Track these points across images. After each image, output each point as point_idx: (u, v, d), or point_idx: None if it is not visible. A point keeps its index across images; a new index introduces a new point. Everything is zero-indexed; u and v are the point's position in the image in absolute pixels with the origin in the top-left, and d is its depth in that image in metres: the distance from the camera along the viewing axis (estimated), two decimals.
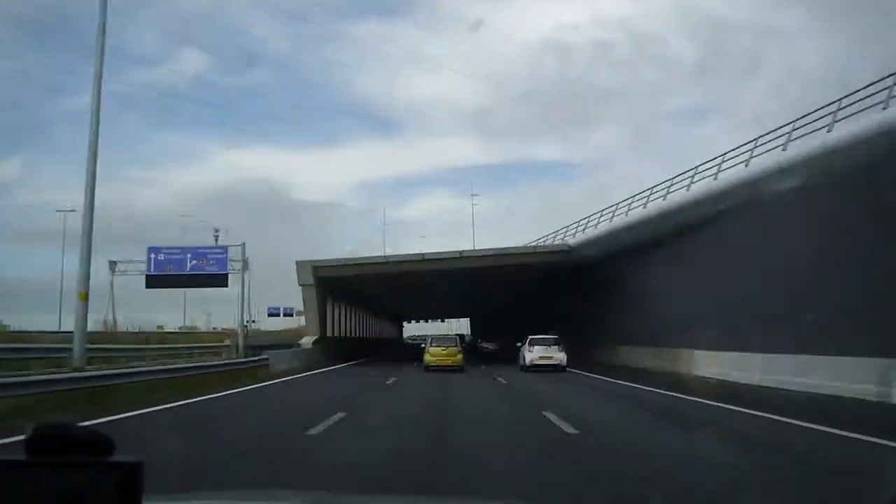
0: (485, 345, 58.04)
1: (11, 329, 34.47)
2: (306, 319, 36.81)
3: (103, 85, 18.17)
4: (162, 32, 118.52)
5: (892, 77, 14.31)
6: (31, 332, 32.42)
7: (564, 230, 35.63)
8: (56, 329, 34.84)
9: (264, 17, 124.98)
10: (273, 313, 67.26)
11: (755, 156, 19.19)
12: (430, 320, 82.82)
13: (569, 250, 33.24)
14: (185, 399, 12.94)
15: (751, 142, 19.66)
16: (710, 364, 19.52)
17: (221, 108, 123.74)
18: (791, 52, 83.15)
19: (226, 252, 35.95)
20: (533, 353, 26.51)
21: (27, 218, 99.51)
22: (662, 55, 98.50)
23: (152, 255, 35.07)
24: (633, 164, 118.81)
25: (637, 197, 27.35)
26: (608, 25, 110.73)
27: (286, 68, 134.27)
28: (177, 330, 55.01)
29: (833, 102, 16.19)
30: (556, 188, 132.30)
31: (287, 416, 11.58)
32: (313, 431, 8.78)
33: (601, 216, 30.53)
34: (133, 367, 19.07)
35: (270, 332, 55.26)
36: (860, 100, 15.26)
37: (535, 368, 25.55)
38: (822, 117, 16.43)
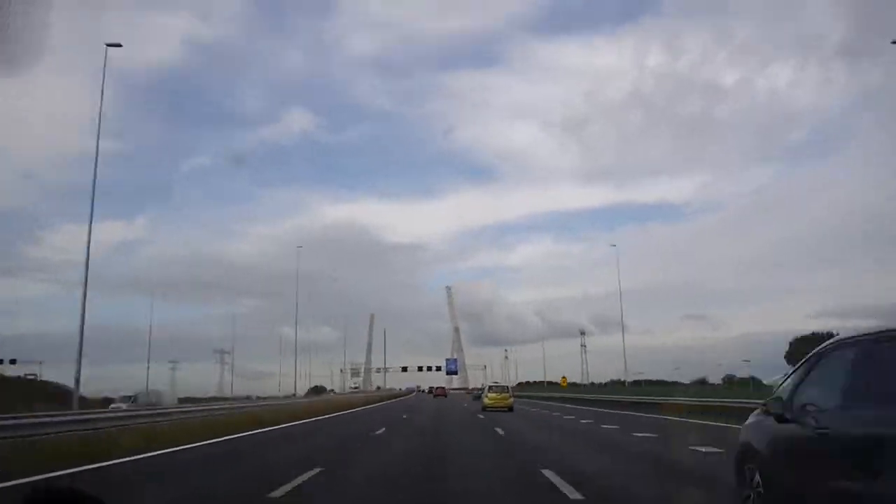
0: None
1: None
2: None
3: None
4: (267, 92, 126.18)
5: None
6: None
7: None
8: None
9: (365, 75, 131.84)
10: None
11: None
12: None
13: None
14: None
15: None
16: None
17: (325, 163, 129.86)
18: None
19: None
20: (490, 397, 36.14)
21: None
22: None
23: None
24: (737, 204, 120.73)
25: None
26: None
27: (387, 122, 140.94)
28: None
29: None
30: (663, 229, 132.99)
31: None
32: None
33: None
34: None
35: None
36: None
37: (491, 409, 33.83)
38: None
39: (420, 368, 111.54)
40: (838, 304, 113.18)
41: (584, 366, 67.37)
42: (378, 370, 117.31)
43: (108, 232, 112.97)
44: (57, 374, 46.33)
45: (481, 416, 27.78)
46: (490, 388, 39.02)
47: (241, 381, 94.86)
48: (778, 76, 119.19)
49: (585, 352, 66.85)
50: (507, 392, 37.24)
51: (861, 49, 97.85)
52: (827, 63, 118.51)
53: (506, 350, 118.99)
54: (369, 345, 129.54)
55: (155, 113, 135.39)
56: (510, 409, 34.02)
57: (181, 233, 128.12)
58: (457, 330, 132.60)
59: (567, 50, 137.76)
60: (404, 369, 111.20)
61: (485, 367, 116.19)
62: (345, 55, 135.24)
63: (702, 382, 55.53)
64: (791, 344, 63.88)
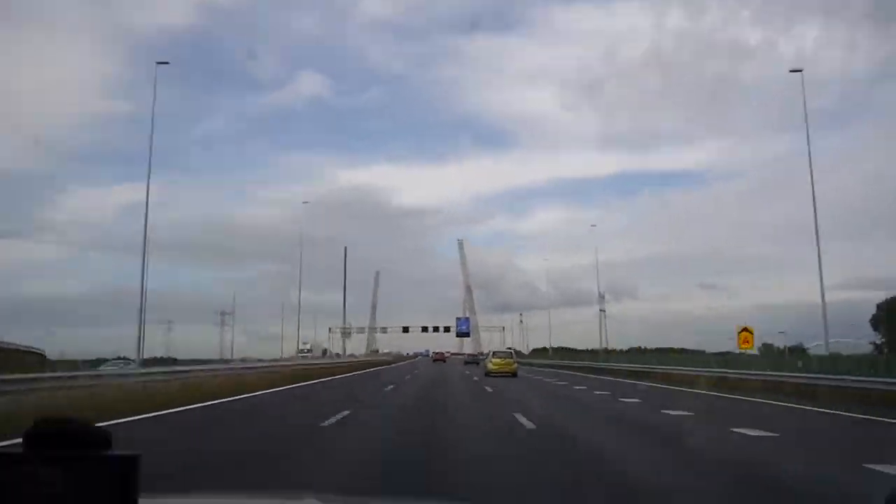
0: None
1: None
2: None
3: None
4: (281, 56, 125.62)
5: None
6: None
7: None
8: None
9: (379, 38, 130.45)
10: None
11: None
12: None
13: None
14: None
15: None
16: None
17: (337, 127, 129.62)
18: None
19: None
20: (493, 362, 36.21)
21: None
22: None
23: None
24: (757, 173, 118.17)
25: None
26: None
27: (400, 86, 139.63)
28: None
29: None
30: (680, 197, 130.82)
31: None
32: None
33: None
34: None
35: None
36: None
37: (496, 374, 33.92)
38: None
39: (425, 329, 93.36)
40: (860, 275, 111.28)
41: (604, 332, 61.30)
42: (383, 329, 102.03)
43: (121, 194, 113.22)
44: (25, 337, 44.69)
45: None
46: (494, 353, 39.73)
47: (254, 342, 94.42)
48: (803, 37, 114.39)
49: (605, 317, 61.65)
50: (512, 358, 37.67)
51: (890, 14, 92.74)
52: (854, 26, 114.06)
53: (521, 314, 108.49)
54: (374, 305, 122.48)
55: (169, 77, 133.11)
56: (514, 374, 34.18)
57: (193, 196, 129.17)
58: (469, 289, 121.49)
59: (585, 13, 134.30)
60: (405, 329, 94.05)
61: (503, 328, 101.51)
62: (359, 18, 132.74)
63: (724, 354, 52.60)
64: (879, 307, 61.51)
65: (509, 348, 49.44)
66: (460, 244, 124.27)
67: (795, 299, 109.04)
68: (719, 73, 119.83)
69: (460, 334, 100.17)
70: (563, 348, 77.49)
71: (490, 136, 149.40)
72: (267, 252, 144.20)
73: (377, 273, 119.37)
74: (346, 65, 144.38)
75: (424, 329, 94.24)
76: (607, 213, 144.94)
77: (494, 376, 32.32)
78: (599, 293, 62.38)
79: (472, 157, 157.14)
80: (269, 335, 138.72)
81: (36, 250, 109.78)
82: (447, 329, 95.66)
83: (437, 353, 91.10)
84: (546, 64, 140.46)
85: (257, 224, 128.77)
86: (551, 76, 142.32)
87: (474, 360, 76.99)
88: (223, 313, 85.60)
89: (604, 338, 63.35)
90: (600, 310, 63.27)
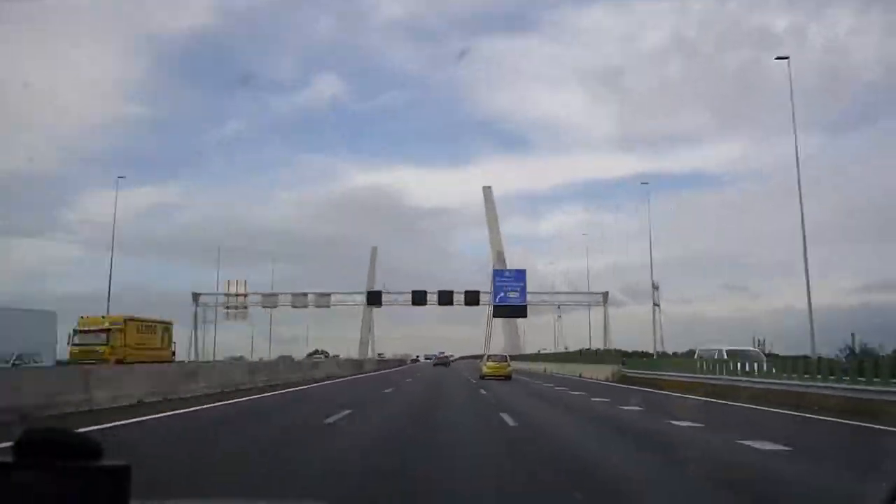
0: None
1: None
2: None
3: None
4: (299, 59, 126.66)
5: None
6: None
7: None
8: None
9: (396, 40, 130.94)
10: None
11: None
12: None
13: None
14: None
15: None
16: None
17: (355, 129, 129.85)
18: None
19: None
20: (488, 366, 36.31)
21: None
22: None
23: None
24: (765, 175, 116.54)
25: None
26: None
27: (417, 88, 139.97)
28: None
29: None
30: (696, 199, 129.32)
31: None
32: None
33: None
34: None
35: None
36: None
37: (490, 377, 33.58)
38: None
39: (445, 298, 59.97)
40: (884, 278, 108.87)
41: (659, 331, 48.73)
42: (387, 295, 67.73)
43: (142, 197, 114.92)
44: None
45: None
46: (489, 357, 40.77)
47: (273, 343, 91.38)
48: (836, 25, 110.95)
49: (660, 311, 48.07)
50: (506, 361, 38.34)
51: None
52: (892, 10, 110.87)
53: (559, 307, 73.48)
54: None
55: (187, 79, 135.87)
56: (508, 377, 34.54)
57: (212, 198, 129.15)
58: (500, 255, 77.30)
59: (604, 14, 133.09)
60: (416, 299, 61.74)
61: (559, 316, 74.31)
62: (376, 20, 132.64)
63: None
64: None
65: (500, 354, 46.61)
66: (488, 192, 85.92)
67: (818, 303, 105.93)
68: (744, 64, 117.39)
69: (499, 311, 58.71)
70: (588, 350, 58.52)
71: (507, 137, 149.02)
72: (282, 253, 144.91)
73: (374, 249, 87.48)
74: (363, 66, 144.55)
75: (444, 298, 60.18)
76: (626, 214, 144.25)
77: (489, 379, 32.59)
78: (653, 284, 49.45)
79: (489, 158, 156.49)
80: (291, 336, 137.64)
81: (49, 248, 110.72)
82: (474, 298, 59.18)
83: (440, 357, 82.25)
84: (564, 65, 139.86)
85: (274, 225, 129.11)
86: (570, 77, 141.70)
87: (443, 361, 75.98)
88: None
89: (658, 338, 49.50)
90: (654, 304, 49.69)
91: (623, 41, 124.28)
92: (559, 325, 75.45)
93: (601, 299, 63.94)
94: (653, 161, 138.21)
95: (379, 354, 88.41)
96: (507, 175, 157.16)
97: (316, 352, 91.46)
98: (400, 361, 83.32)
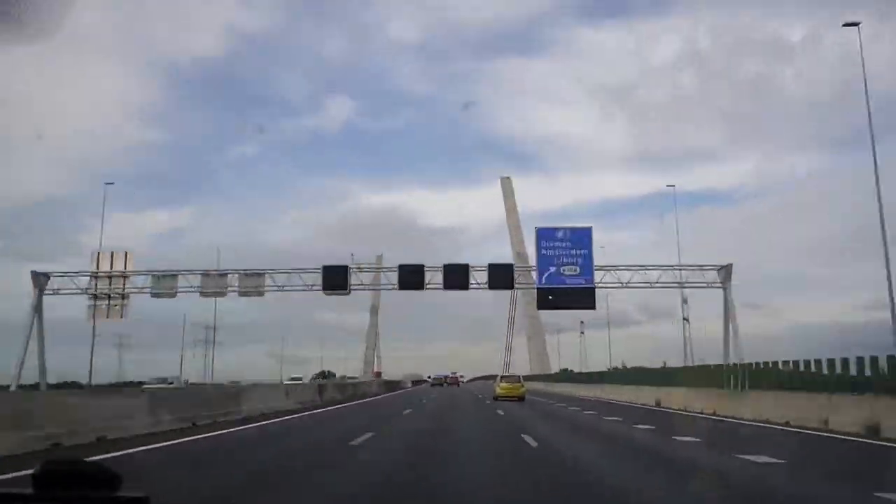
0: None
1: None
2: None
3: None
4: (309, 80, 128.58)
5: None
6: None
7: None
8: None
9: (407, 61, 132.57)
10: None
11: None
12: None
13: None
14: None
15: None
16: None
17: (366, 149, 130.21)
18: None
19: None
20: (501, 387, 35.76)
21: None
22: None
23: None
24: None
25: None
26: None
27: (427, 108, 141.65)
28: None
29: None
30: (712, 213, 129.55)
31: None
32: None
33: None
34: None
35: None
36: None
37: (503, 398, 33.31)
38: None
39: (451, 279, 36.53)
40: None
41: (689, 347, 43.62)
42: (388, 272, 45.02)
43: (153, 220, 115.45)
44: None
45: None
46: (503, 377, 40.11)
47: (280, 364, 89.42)
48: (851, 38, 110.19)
49: (688, 327, 43.54)
50: (520, 382, 37.34)
51: None
52: None
53: (582, 322, 72.42)
54: (374, 307, 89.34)
55: (199, 101, 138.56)
56: (521, 398, 33.68)
57: (223, 220, 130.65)
58: (521, 256, 59.55)
59: (613, 34, 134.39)
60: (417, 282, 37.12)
61: (582, 331, 75.62)
62: (386, 41, 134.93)
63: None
64: None
65: (514, 374, 43.56)
66: (504, 183, 75.02)
67: (823, 321, 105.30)
68: (757, 75, 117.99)
69: (547, 299, 35.81)
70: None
71: (516, 155, 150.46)
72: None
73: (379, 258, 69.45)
74: (373, 87, 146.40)
75: (453, 279, 37.08)
76: (638, 231, 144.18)
77: (502, 400, 32.48)
78: (683, 298, 41.66)
79: (498, 176, 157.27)
80: (302, 358, 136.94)
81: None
82: (503, 277, 37.09)
83: (451, 377, 77.84)
84: (573, 85, 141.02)
85: (286, 247, 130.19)
86: (579, 97, 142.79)
87: (440, 381, 73.10)
88: (206, 328, 66.11)
89: (688, 352, 41.17)
90: (683, 318, 42.24)
91: (635, 64, 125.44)
92: (582, 340, 72.32)
93: (716, 275, 38.39)
94: (668, 177, 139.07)
95: (376, 374, 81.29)
96: (519, 193, 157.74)
97: (323, 374, 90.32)
98: (396, 384, 66.77)
